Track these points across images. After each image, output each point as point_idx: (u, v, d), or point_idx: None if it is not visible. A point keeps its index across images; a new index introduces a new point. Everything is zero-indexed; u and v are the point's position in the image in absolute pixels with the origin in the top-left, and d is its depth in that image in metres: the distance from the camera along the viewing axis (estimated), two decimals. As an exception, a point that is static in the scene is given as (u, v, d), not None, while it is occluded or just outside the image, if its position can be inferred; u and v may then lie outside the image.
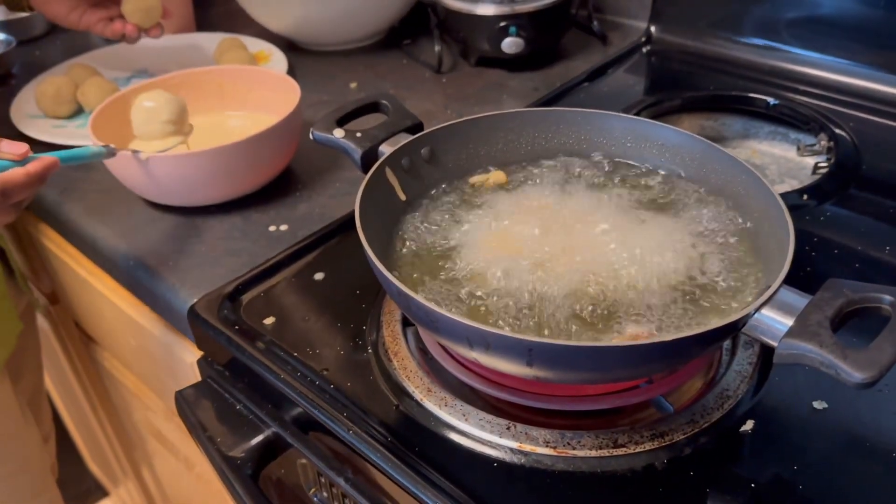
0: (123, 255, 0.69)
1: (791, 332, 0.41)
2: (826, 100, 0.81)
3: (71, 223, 0.75)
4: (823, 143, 0.76)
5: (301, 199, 0.73)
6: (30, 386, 0.92)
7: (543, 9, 0.91)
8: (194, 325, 0.61)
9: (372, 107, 0.62)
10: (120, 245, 0.70)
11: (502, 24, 0.90)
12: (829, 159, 0.75)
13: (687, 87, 0.88)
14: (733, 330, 0.43)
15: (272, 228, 0.69)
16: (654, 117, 0.81)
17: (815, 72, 0.84)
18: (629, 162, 0.61)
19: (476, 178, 0.60)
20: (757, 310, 0.43)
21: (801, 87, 0.83)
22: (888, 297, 0.42)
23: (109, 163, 0.70)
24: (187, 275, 0.65)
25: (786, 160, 0.81)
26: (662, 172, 0.60)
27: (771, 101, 0.82)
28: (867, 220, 0.67)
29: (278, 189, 0.74)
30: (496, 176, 0.60)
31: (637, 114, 0.78)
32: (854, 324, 0.42)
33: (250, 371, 0.57)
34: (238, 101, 0.81)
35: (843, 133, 0.76)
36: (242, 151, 0.69)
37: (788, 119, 0.81)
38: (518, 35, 0.91)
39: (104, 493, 1.58)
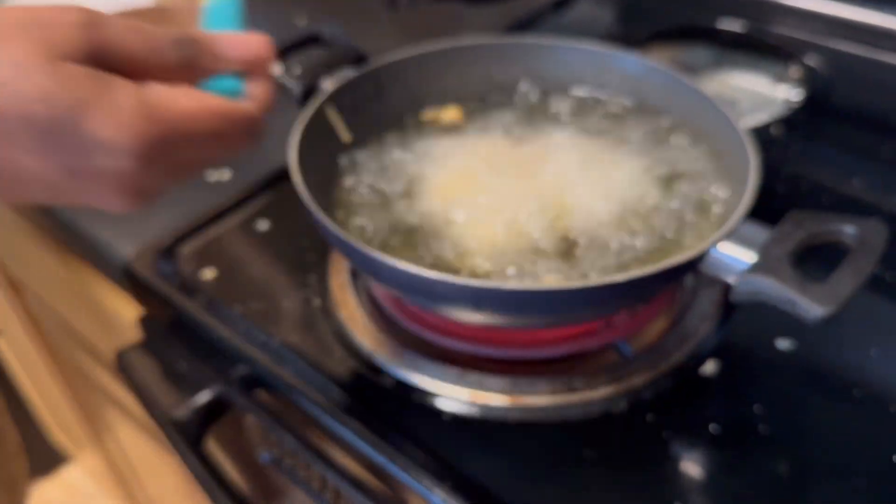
0: (57, 206, 0.65)
1: (750, 268, 0.39)
2: (799, 29, 0.77)
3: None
4: (796, 73, 0.73)
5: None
6: None
7: (502, -64, 0.85)
8: (131, 281, 0.58)
9: (312, 40, 0.58)
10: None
11: (459, -47, 0.85)
12: (800, 90, 0.72)
13: (656, 18, 0.84)
14: (690, 267, 0.41)
15: (212, 177, 0.65)
16: (639, 44, 0.77)
17: (787, 0, 0.80)
18: (590, 94, 0.58)
19: (430, 115, 0.57)
20: (714, 245, 0.40)
21: (774, 17, 0.79)
22: (849, 229, 0.39)
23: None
24: (122, 226, 0.61)
25: (757, 92, 0.78)
26: (625, 104, 0.56)
27: (742, 30, 0.78)
28: (837, 152, 0.64)
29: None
30: (451, 112, 0.57)
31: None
32: (817, 258, 0.40)
33: (192, 328, 0.54)
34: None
35: (815, 63, 0.72)
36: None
37: (760, 50, 0.78)
38: (476, -35, 0.86)
39: (67, 459, 1.56)
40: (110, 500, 1.42)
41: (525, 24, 0.84)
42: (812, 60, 0.72)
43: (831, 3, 0.77)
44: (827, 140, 0.65)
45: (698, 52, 0.83)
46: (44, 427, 1.46)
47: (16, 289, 0.99)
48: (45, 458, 1.54)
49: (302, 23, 0.88)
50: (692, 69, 0.82)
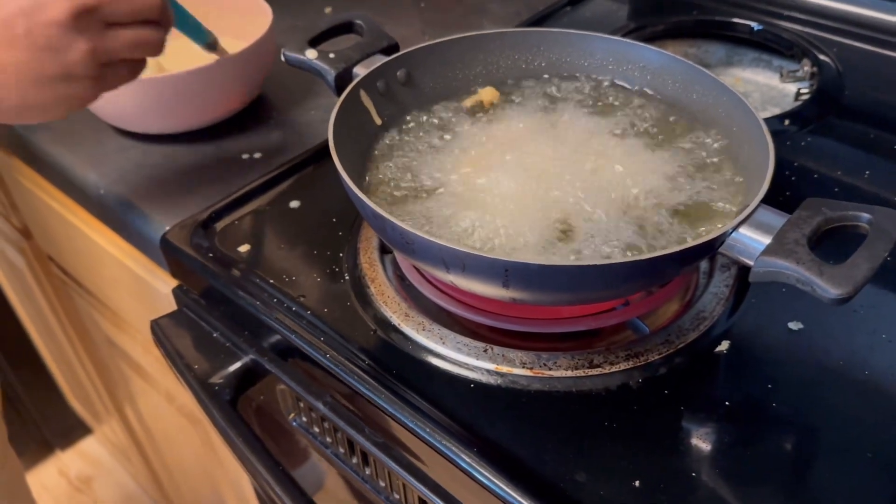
0: (94, 184, 0.67)
1: (768, 250, 0.41)
2: (810, 25, 0.79)
3: (40, 153, 0.73)
4: (806, 69, 0.75)
5: (275, 126, 0.72)
6: None
7: (525, -70, 0.87)
8: (168, 253, 0.60)
9: (346, 27, 0.60)
10: (90, 175, 0.68)
11: (482, -55, 0.87)
12: (811, 86, 0.74)
13: (670, 13, 0.86)
14: (710, 249, 0.43)
15: (245, 156, 0.68)
16: (644, 40, 0.79)
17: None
18: (612, 83, 0.60)
19: (469, 100, 0.59)
20: (734, 228, 0.42)
21: (786, 13, 0.81)
22: (865, 216, 0.42)
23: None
24: (159, 204, 0.63)
25: (769, 87, 0.80)
26: (645, 93, 0.59)
27: (755, 26, 0.80)
28: (847, 145, 0.66)
29: (251, 116, 0.72)
30: (488, 93, 0.59)
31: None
32: (831, 242, 0.42)
33: (226, 298, 0.57)
34: (208, 25, 0.78)
35: (826, 59, 0.74)
36: (213, 76, 0.66)
37: (772, 45, 0.80)
38: (499, -43, 0.88)
39: (88, 431, 1.59)
40: (129, 471, 1.45)
41: (542, 18, 0.86)
42: (823, 56, 0.74)
43: (842, 1, 0.79)
44: (837, 134, 0.67)
45: (710, 48, 0.85)
46: (64, 399, 1.50)
47: (43, 263, 1.02)
48: (66, 430, 1.58)
49: (328, 10, 0.90)
50: (704, 64, 0.85)
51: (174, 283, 0.63)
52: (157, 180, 0.66)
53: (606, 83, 0.60)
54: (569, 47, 0.60)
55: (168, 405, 0.90)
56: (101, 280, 0.83)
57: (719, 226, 0.47)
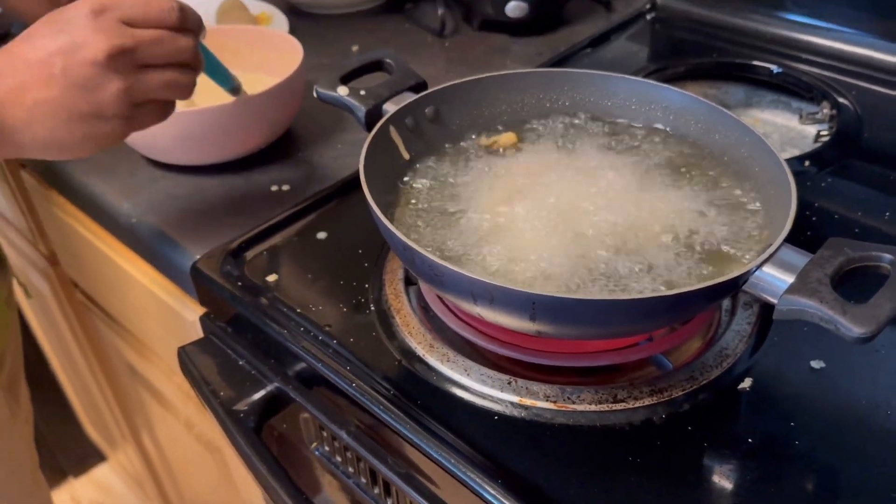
0: (126, 213, 0.69)
1: (791, 289, 0.42)
2: (829, 69, 0.81)
3: (74, 183, 0.75)
4: (826, 111, 0.76)
5: (303, 159, 0.73)
6: (10, 373, 0.89)
7: (548, -27, 0.90)
8: (197, 281, 0.61)
9: (376, 65, 0.62)
10: (122, 204, 0.70)
11: (506, -13, 0.90)
12: (830, 127, 0.75)
13: (690, 55, 0.87)
14: (734, 286, 0.44)
15: (274, 188, 0.69)
16: (672, 80, 0.81)
17: (818, 40, 0.83)
18: (633, 124, 0.61)
19: (486, 139, 0.60)
20: (758, 267, 0.43)
21: (805, 56, 0.83)
22: (888, 256, 0.42)
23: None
24: (190, 233, 0.65)
25: (788, 129, 0.81)
26: (667, 133, 0.60)
27: (774, 69, 0.82)
28: (867, 187, 0.67)
29: (280, 150, 0.74)
30: (507, 137, 0.60)
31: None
32: (854, 282, 0.43)
33: (253, 326, 0.58)
34: (240, 61, 0.80)
35: (845, 102, 0.76)
36: (245, 110, 0.68)
37: (791, 88, 0.81)
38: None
39: (102, 458, 1.59)
40: (142, 499, 1.45)
41: (564, 59, 0.88)
42: (842, 99, 0.75)
43: (860, 45, 0.81)
44: (857, 175, 0.68)
45: (730, 90, 0.86)
46: (80, 426, 1.50)
47: (68, 289, 1.04)
48: (80, 457, 1.58)
49: (355, 48, 0.93)
50: (724, 105, 0.86)
51: (201, 310, 0.65)
52: (187, 210, 0.67)
53: (629, 122, 0.61)
54: (592, 87, 0.62)
55: (186, 433, 0.91)
56: (127, 307, 0.84)
57: (743, 263, 0.48)
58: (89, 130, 0.51)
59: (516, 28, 0.94)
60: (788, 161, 0.68)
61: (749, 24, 0.88)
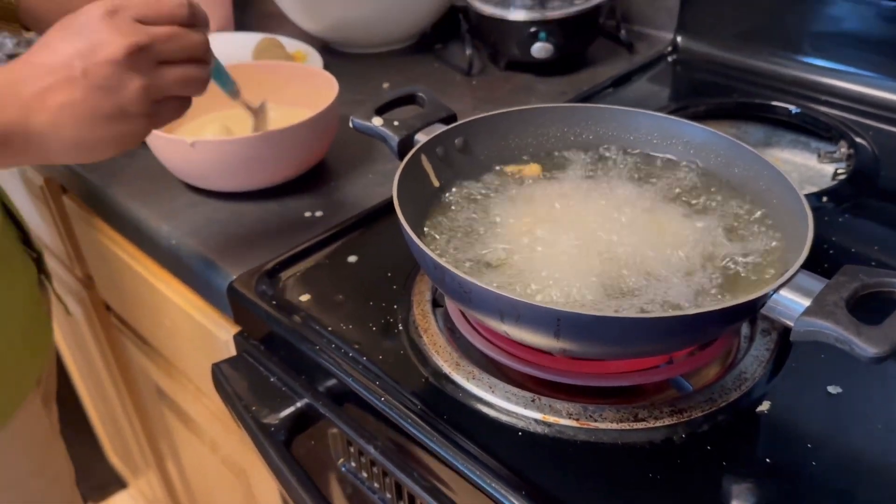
0: (166, 236, 0.72)
1: (808, 311, 0.43)
2: (847, 109, 0.83)
3: (116, 206, 0.78)
4: (843, 150, 0.78)
5: (335, 188, 0.76)
6: (47, 388, 0.92)
7: (573, 16, 0.94)
8: (233, 300, 0.64)
9: (409, 98, 0.65)
10: (162, 227, 0.73)
11: (532, 29, 0.93)
12: (848, 166, 0.77)
13: (711, 95, 0.90)
14: (752, 308, 0.45)
15: (308, 214, 0.72)
16: (693, 119, 0.83)
17: (836, 82, 0.86)
18: (655, 157, 0.63)
19: (512, 168, 0.63)
20: (776, 290, 0.45)
21: (823, 97, 0.85)
22: (901, 281, 0.44)
23: (155, 147, 0.74)
24: (227, 255, 0.68)
25: (806, 167, 0.83)
26: (688, 166, 0.62)
27: (793, 109, 0.84)
28: (883, 224, 0.69)
29: (314, 179, 0.77)
30: (531, 168, 0.63)
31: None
32: (868, 307, 0.44)
33: (286, 344, 0.60)
34: (277, 95, 0.85)
35: (862, 142, 0.78)
36: (282, 140, 0.72)
37: (809, 128, 0.83)
38: (547, 40, 0.94)
39: (122, 485, 1.60)
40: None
41: (587, 97, 0.91)
42: (859, 139, 0.77)
43: (877, 87, 0.83)
44: (873, 213, 0.70)
45: (749, 129, 0.89)
46: (102, 452, 1.52)
47: (101, 312, 1.07)
48: (101, 484, 1.59)
49: (386, 85, 0.97)
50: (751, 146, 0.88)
51: (234, 330, 0.67)
52: (225, 234, 0.71)
53: (651, 156, 0.63)
54: (614, 122, 0.64)
55: (212, 456, 0.93)
56: (160, 328, 0.87)
57: (762, 288, 0.49)
58: (113, 130, 0.53)
59: (541, 68, 0.98)
60: (806, 197, 0.70)
61: (768, 67, 0.91)
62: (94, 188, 0.81)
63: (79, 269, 1.06)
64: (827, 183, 0.79)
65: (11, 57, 1.05)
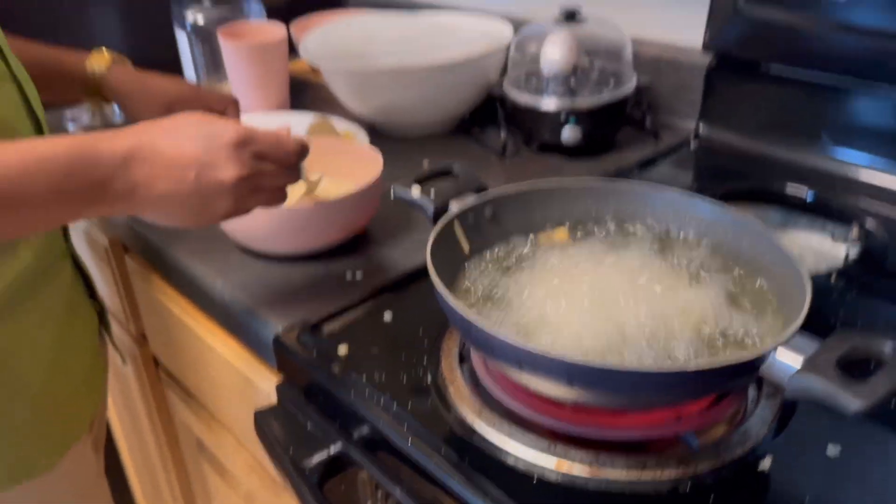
0: (219, 291, 0.79)
1: (801, 369, 0.47)
2: (860, 195, 0.88)
3: (174, 263, 0.86)
4: (855, 233, 0.82)
5: (375, 253, 0.83)
6: (98, 432, 0.98)
7: (601, 106, 1.01)
8: (278, 350, 0.70)
9: (446, 171, 0.72)
10: (217, 283, 0.80)
11: (562, 117, 1.01)
12: (859, 249, 0.81)
13: (731, 180, 0.96)
14: (750, 367, 0.49)
15: (349, 275, 0.78)
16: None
17: (850, 170, 0.91)
18: (671, 230, 0.69)
19: (537, 237, 0.69)
20: (773, 349, 0.49)
21: (838, 183, 0.90)
22: (891, 344, 0.48)
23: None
24: (274, 310, 0.74)
25: (821, 249, 0.87)
26: (700, 240, 0.67)
27: (809, 195, 0.89)
28: (888, 301, 0.72)
29: (357, 244, 0.84)
30: (558, 234, 0.69)
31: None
32: (860, 367, 0.48)
33: (324, 392, 0.65)
34: (327, 169, 0.93)
35: (873, 226, 0.82)
36: (330, 211, 0.79)
37: (824, 212, 0.88)
38: (576, 127, 1.01)
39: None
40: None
41: (615, 178, 0.98)
42: (870, 224, 0.82)
43: (887, 176, 0.88)
44: (881, 293, 0.74)
45: (768, 212, 0.93)
46: (133, 499, 1.55)
47: (149, 367, 1.13)
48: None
49: (425, 163, 1.05)
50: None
51: (276, 380, 0.73)
52: (273, 291, 0.77)
53: (666, 229, 0.69)
54: (633, 198, 0.70)
55: (246, 506, 0.97)
56: (204, 380, 0.93)
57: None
58: (193, 220, 0.63)
59: (571, 151, 1.05)
60: (818, 277, 0.75)
61: (785, 154, 0.96)
62: (155, 247, 0.89)
63: (133, 326, 1.14)
64: (839, 263, 0.83)
65: (87, 129, 1.16)
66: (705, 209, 0.67)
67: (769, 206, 0.93)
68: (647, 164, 1.02)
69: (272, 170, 0.63)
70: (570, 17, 1.03)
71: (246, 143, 0.61)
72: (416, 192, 0.69)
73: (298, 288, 0.77)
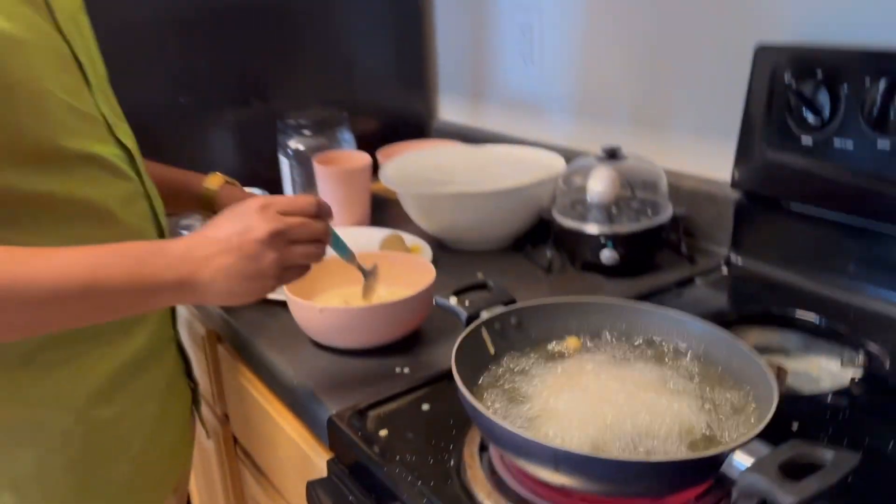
0: (289, 378, 0.93)
1: (750, 468, 0.56)
2: (868, 323, 0.94)
3: (257, 353, 1.01)
4: (861, 358, 0.89)
5: (423, 351, 0.96)
6: (180, 498, 1.11)
7: (637, 232, 1.13)
8: (331, 430, 0.83)
9: (482, 286, 0.86)
10: (289, 370, 0.94)
11: (602, 240, 1.13)
12: (862, 371, 0.87)
13: (756, 304, 1.04)
14: (712, 463, 0.58)
15: (398, 370, 0.91)
16: (726, 325, 0.97)
17: (865, 301, 0.98)
18: (667, 341, 0.79)
19: (554, 344, 0.80)
20: (731, 451, 0.58)
21: (853, 312, 0.97)
22: (830, 453, 0.56)
23: (293, 310, 0.97)
24: (331, 395, 0.87)
25: (834, 371, 0.93)
26: (693, 352, 0.77)
27: (822, 323, 0.96)
28: (882, 419, 0.78)
29: (408, 342, 0.97)
30: (572, 342, 0.80)
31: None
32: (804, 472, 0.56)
33: (365, 469, 0.77)
34: (390, 277, 1.07)
35: (877, 351, 0.88)
36: (386, 312, 0.93)
37: (837, 338, 0.95)
38: (615, 250, 1.13)
39: None
40: None
41: (646, 297, 1.07)
42: (873, 349, 0.88)
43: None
44: (872, 410, 0.80)
45: (791, 336, 1.00)
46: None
47: (229, 445, 1.28)
48: None
49: (479, 275, 1.18)
50: (785, 349, 1.00)
51: (328, 456, 0.85)
52: (333, 379, 0.91)
53: (665, 342, 0.79)
54: (640, 315, 0.81)
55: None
56: (273, 458, 1.06)
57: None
58: (252, 285, 0.75)
59: (611, 271, 1.16)
60: (821, 395, 0.82)
61: (806, 284, 1.04)
62: (243, 338, 1.05)
63: (219, 406, 1.29)
64: (845, 383, 0.89)
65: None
66: (700, 328, 0.77)
67: (790, 330, 1.01)
68: (681, 284, 1.12)
69: (300, 222, 0.76)
70: (612, 154, 1.17)
71: (268, 206, 0.76)
72: (453, 301, 0.82)
73: (355, 377, 0.91)
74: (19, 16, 0.73)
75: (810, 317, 0.98)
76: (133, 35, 1.42)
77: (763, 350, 0.95)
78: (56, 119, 0.76)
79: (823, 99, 0.96)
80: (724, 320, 0.99)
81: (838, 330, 0.94)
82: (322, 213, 0.81)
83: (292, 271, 0.79)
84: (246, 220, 0.75)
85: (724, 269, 1.14)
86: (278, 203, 0.78)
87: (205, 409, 1.34)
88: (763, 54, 1.04)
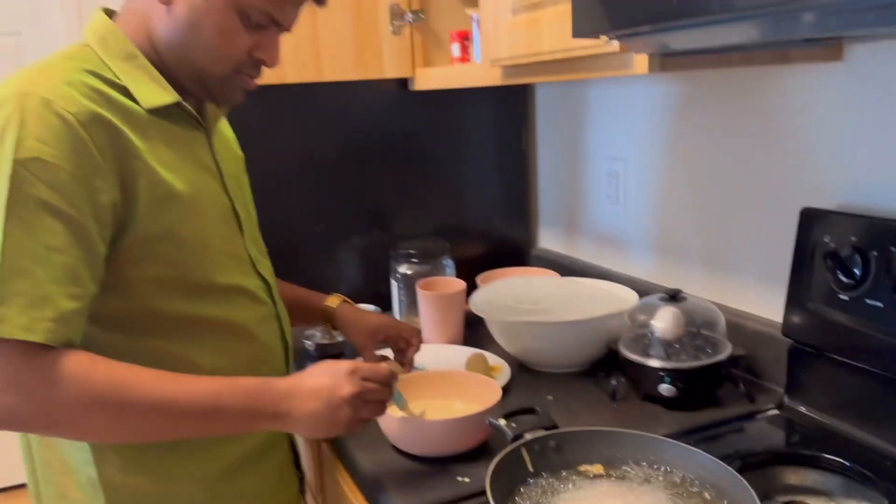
0: (371, 474, 1.10)
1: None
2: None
3: (349, 455, 1.20)
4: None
5: (484, 463, 1.10)
6: None
7: (695, 368, 1.23)
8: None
9: (530, 410, 1.01)
10: (369, 468, 1.12)
11: (661, 374, 1.24)
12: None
13: (806, 446, 1.11)
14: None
15: (459, 478, 1.06)
16: (779, 464, 1.05)
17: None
18: (677, 471, 0.89)
19: (584, 467, 0.93)
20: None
21: (890, 462, 1.02)
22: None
23: (380, 420, 1.15)
24: (400, 492, 1.04)
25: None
26: (701, 481, 0.87)
27: (847, 464, 1.02)
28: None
29: (473, 454, 1.12)
30: (597, 468, 0.92)
31: (758, 462, 1.03)
32: None
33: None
34: (461, 393, 1.23)
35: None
36: (457, 426, 1.09)
37: (874, 484, 1.00)
38: (672, 384, 1.23)
39: None
40: None
41: (702, 429, 1.16)
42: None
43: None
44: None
45: (834, 479, 1.06)
46: None
47: (325, 532, 1.46)
48: None
49: (549, 397, 1.32)
50: (828, 491, 1.06)
51: (395, 547, 1.00)
52: (405, 479, 1.07)
53: (679, 473, 0.89)
54: (664, 447, 0.92)
55: None
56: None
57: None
58: (326, 428, 0.96)
59: (671, 402, 1.26)
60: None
61: (854, 432, 1.10)
62: (343, 444, 1.24)
63: (321, 497, 1.48)
64: (873, 531, 0.94)
65: (319, 346, 1.60)
66: (706, 461, 0.88)
67: (835, 473, 1.06)
68: (739, 419, 1.20)
69: (375, 388, 0.96)
70: (673, 297, 1.29)
71: (356, 371, 0.95)
72: (502, 422, 0.98)
73: (423, 480, 1.07)
74: (197, 181, 1.01)
75: (852, 463, 1.03)
76: (283, 179, 1.76)
77: (807, 491, 1.02)
78: (214, 262, 1.02)
79: (857, 261, 1.06)
80: (772, 459, 1.07)
81: (863, 471, 0.99)
82: (393, 379, 1.01)
83: (359, 423, 0.98)
84: (336, 379, 0.95)
85: (777, 411, 1.21)
86: (363, 370, 0.97)
87: (309, 497, 1.53)
88: (807, 216, 1.16)
